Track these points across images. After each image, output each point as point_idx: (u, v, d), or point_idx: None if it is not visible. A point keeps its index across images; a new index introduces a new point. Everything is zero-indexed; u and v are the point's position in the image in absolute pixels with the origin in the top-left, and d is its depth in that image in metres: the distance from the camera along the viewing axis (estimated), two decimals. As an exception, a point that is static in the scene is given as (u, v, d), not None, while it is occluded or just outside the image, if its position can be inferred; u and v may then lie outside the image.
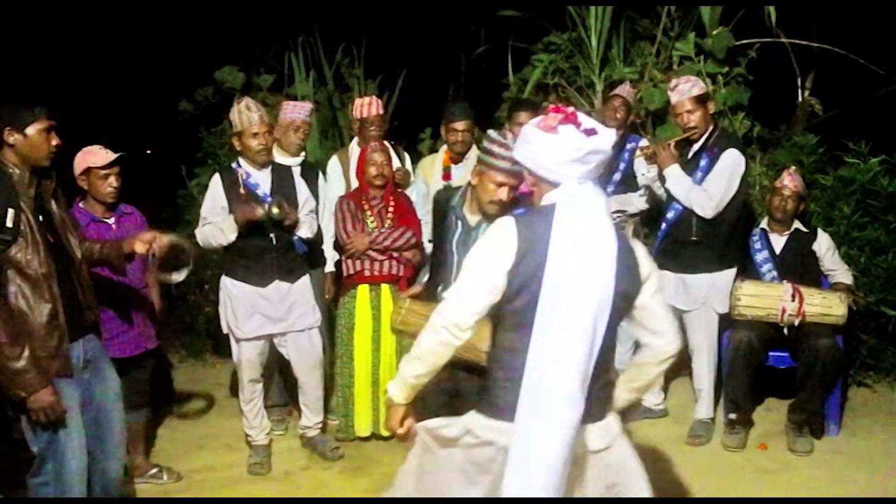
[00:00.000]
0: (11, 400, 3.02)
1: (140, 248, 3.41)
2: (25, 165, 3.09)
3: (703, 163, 4.45)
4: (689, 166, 4.47)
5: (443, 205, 3.76)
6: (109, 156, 3.96)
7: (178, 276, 3.68)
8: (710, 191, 4.39)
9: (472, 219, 3.58)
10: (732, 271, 4.59)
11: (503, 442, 2.36)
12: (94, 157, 3.93)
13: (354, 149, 5.12)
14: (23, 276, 3.01)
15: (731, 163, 4.40)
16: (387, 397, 2.59)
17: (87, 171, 3.96)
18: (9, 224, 2.96)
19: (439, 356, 2.46)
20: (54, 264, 3.10)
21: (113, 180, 4.01)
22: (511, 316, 2.41)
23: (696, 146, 4.50)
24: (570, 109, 2.54)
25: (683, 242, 4.50)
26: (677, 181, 4.43)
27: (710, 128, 4.50)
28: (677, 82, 4.50)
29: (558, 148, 2.45)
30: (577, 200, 2.39)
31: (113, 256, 3.48)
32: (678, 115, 4.46)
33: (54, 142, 3.14)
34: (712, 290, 4.56)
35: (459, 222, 3.62)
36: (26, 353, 2.96)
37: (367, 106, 5.04)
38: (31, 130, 3.07)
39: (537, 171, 2.51)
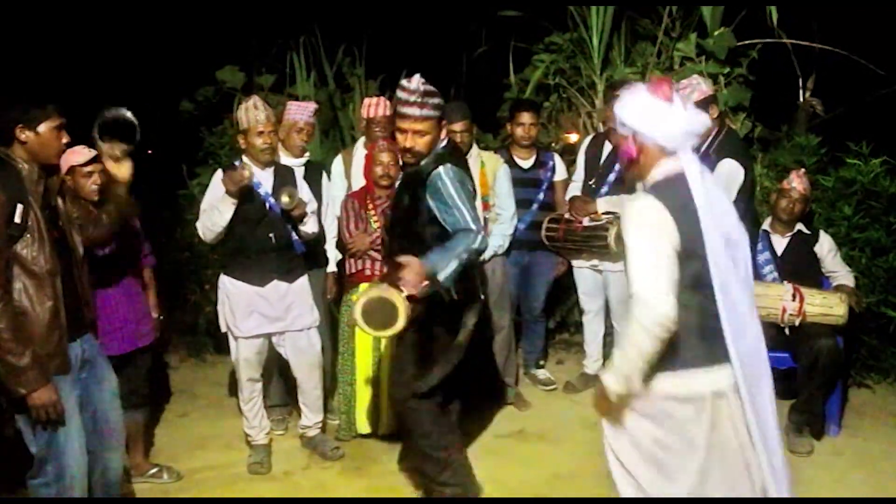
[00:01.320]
0: (12, 399, 3.03)
1: (121, 170, 3.46)
2: (35, 162, 3.12)
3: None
4: None
5: None
6: (90, 153, 3.97)
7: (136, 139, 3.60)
8: None
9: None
10: None
11: (706, 390, 2.55)
12: (76, 155, 3.93)
13: (359, 149, 5.12)
14: (27, 273, 3.01)
15: (727, 174, 4.31)
16: (604, 389, 2.58)
17: (71, 170, 3.96)
18: (17, 220, 2.98)
19: (658, 350, 2.50)
20: (59, 261, 3.11)
21: (96, 178, 4.00)
22: (683, 280, 2.52)
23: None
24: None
25: None
26: None
27: (715, 132, 4.40)
28: (678, 87, 4.39)
29: (682, 118, 2.60)
30: (698, 167, 2.58)
31: (121, 203, 3.51)
32: None
33: (64, 139, 3.18)
34: None
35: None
36: (29, 350, 2.97)
37: (374, 106, 5.04)
38: (42, 128, 3.11)
39: (655, 138, 2.61)
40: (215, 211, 4.22)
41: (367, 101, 5.17)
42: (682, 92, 4.31)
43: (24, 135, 3.09)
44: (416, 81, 3.48)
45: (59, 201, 3.25)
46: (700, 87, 4.38)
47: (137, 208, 3.81)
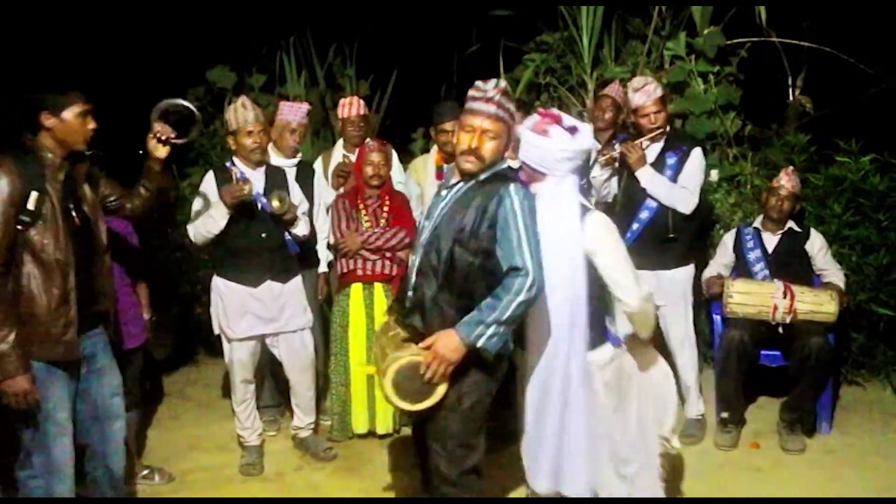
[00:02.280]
0: None
1: (158, 150, 3.48)
2: (62, 149, 3.13)
3: (670, 161, 4.52)
4: (657, 166, 4.51)
5: (447, 175, 3.37)
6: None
7: (191, 134, 3.70)
8: (689, 188, 4.49)
9: (452, 181, 3.12)
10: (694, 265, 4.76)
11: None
12: None
13: (338, 150, 5.15)
14: (36, 260, 3.03)
15: (701, 160, 4.56)
16: None
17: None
18: (30, 206, 2.99)
19: None
20: (76, 249, 3.11)
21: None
22: None
23: (658, 146, 4.53)
24: (554, 111, 3.13)
25: (659, 240, 4.52)
26: (655, 181, 4.48)
27: (669, 128, 4.61)
28: (643, 83, 4.53)
29: (551, 149, 3.04)
30: (555, 191, 3.06)
31: (157, 179, 3.54)
32: (645, 115, 4.50)
33: (91, 125, 3.19)
34: (689, 282, 4.66)
35: (444, 190, 3.16)
36: (12, 336, 2.96)
37: (347, 106, 5.07)
38: (67, 114, 3.11)
39: (534, 167, 3.09)
40: (209, 218, 4.19)
41: (341, 101, 5.20)
42: (650, 87, 4.49)
43: (50, 121, 3.09)
44: (495, 82, 3.00)
45: (87, 189, 3.26)
46: (659, 85, 4.61)
47: (172, 182, 3.81)
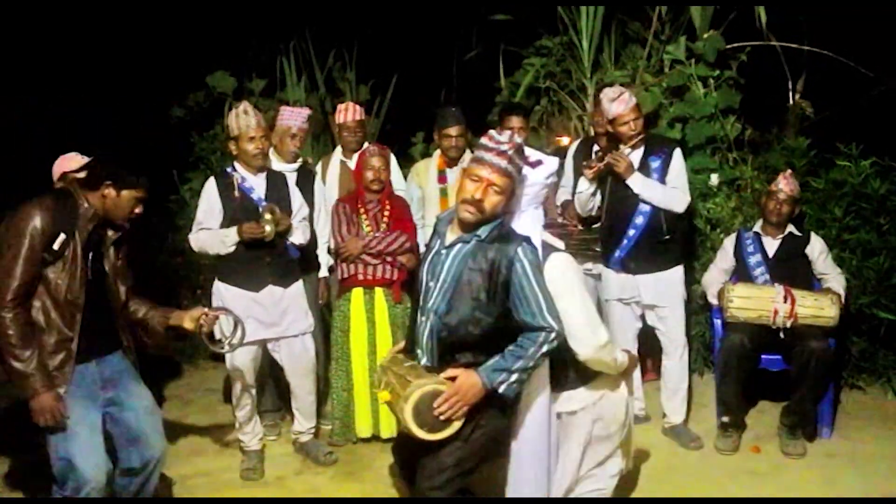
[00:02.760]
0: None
1: (189, 324, 3.50)
2: (101, 213, 3.23)
3: (655, 165, 4.55)
4: (642, 171, 4.54)
5: (436, 223, 3.22)
6: (83, 160, 3.97)
7: (229, 348, 3.73)
8: (679, 187, 4.57)
9: (449, 237, 3.07)
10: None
11: None
12: (69, 162, 3.97)
13: (336, 155, 5.15)
14: (49, 296, 3.14)
15: (682, 159, 4.63)
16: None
17: (63, 176, 3.96)
18: (55, 247, 3.10)
19: None
20: (89, 296, 3.20)
21: None
22: None
23: (639, 152, 4.55)
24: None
25: (656, 242, 4.56)
26: (648, 186, 4.50)
27: (644, 133, 4.63)
28: (618, 93, 4.52)
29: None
30: (515, 226, 3.06)
31: (156, 323, 3.53)
32: (624, 123, 4.50)
33: (138, 210, 3.33)
34: (683, 281, 4.71)
35: (438, 241, 3.12)
36: (35, 358, 3.07)
37: (344, 112, 5.10)
38: (125, 193, 3.25)
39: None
40: (217, 241, 4.24)
41: (338, 107, 5.22)
42: (626, 96, 4.50)
43: (108, 191, 3.22)
44: (509, 135, 2.97)
45: (112, 252, 3.36)
46: (633, 95, 4.62)
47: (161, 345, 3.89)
